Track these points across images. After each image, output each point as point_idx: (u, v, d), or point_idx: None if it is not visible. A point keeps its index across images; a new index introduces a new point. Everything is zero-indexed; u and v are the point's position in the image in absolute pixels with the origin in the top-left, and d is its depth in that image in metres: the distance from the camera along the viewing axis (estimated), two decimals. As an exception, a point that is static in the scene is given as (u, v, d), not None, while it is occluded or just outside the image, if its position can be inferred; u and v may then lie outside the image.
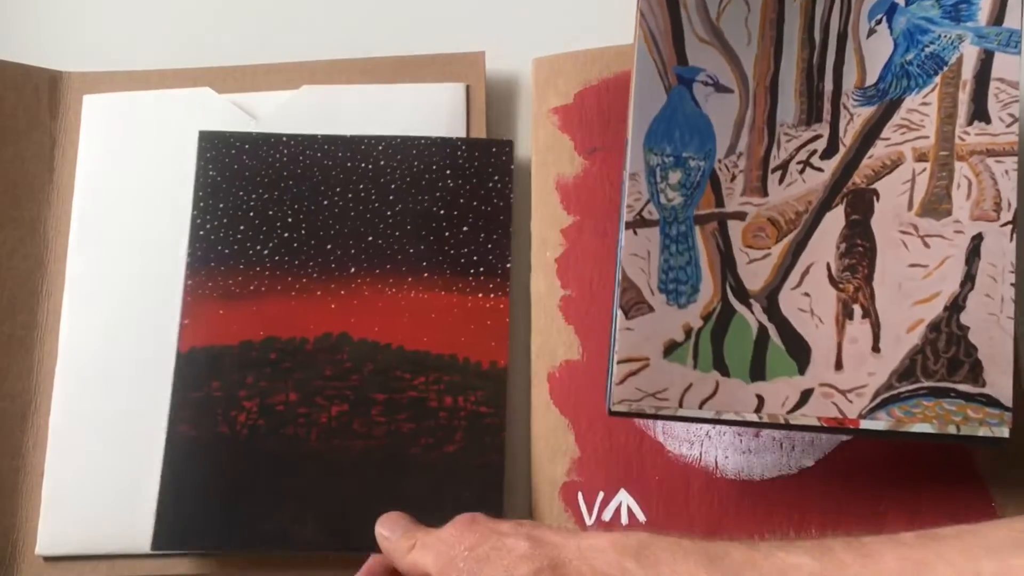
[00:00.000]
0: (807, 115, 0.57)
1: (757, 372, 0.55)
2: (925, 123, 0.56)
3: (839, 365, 0.54)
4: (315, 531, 0.61)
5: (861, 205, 0.56)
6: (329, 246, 0.67)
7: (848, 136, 0.56)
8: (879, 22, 0.57)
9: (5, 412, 0.66)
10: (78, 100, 0.72)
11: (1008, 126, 0.55)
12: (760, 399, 0.54)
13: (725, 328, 0.55)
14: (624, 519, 0.61)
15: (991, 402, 0.53)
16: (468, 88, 0.71)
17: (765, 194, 0.56)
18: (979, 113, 0.55)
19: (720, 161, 0.57)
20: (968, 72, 0.56)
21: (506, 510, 0.62)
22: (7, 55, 0.72)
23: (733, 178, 0.57)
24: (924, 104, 0.56)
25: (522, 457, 0.64)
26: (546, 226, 0.67)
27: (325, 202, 0.68)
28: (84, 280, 0.68)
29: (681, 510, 0.60)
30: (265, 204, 0.68)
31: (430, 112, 0.70)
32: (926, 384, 0.53)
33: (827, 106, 0.57)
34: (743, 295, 0.56)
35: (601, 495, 0.61)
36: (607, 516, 0.61)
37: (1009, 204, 0.54)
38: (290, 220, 0.67)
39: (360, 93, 0.71)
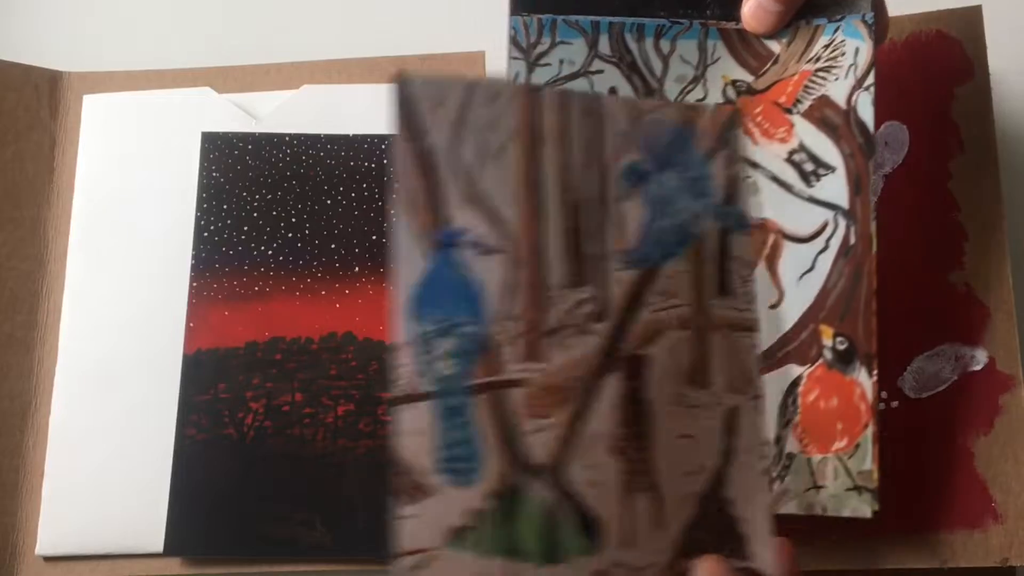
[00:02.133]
0: (574, 277, 0.53)
1: (550, 553, 0.50)
2: (681, 292, 0.54)
3: (630, 542, 0.51)
4: (323, 535, 0.61)
5: (636, 372, 0.53)
6: (333, 246, 0.67)
7: (616, 300, 0.53)
8: (632, 187, 0.55)
9: (5, 412, 0.65)
10: (78, 100, 0.71)
11: (747, 304, 0.54)
12: None
13: (513, 508, 0.50)
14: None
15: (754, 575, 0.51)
16: (469, 89, 0.71)
17: (541, 359, 0.51)
18: (724, 288, 0.54)
19: (492, 326, 0.51)
20: (711, 248, 0.54)
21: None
22: (7, 55, 0.72)
23: (507, 344, 0.51)
24: (679, 272, 0.54)
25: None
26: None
27: (328, 202, 0.68)
28: (84, 280, 0.67)
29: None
30: (268, 205, 0.68)
31: (431, 112, 0.70)
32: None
33: (592, 269, 0.53)
34: (529, 470, 0.50)
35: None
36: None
37: (752, 380, 0.53)
38: (294, 220, 0.67)
39: (361, 92, 0.71)
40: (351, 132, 0.69)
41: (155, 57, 0.73)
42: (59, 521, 0.63)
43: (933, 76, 0.65)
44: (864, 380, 0.54)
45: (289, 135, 0.68)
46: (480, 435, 0.50)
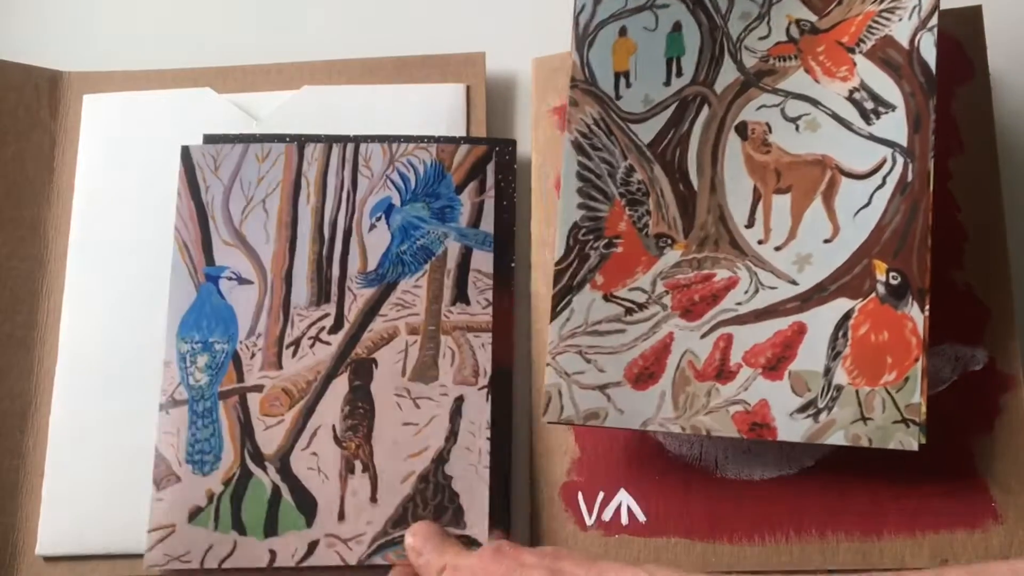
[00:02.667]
0: (317, 297, 0.64)
1: (270, 528, 0.60)
2: (416, 303, 0.63)
3: (342, 516, 0.61)
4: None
5: (362, 372, 0.63)
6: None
7: (352, 313, 0.64)
8: (379, 219, 0.65)
9: (5, 412, 0.66)
10: (78, 100, 0.71)
11: (484, 308, 0.63)
12: (272, 553, 0.60)
13: (243, 491, 0.61)
14: (624, 519, 0.61)
15: (471, 542, 0.59)
16: (468, 88, 0.71)
17: (280, 367, 0.63)
18: (461, 296, 0.64)
19: (242, 342, 0.63)
20: (452, 263, 0.64)
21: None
22: (7, 55, 0.72)
23: (253, 356, 0.63)
24: (416, 287, 0.64)
25: (522, 457, 0.64)
26: (546, 226, 0.67)
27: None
28: (84, 280, 0.68)
29: (681, 510, 0.60)
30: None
31: (431, 112, 0.70)
32: None
33: (334, 289, 0.64)
34: (259, 459, 0.62)
35: (601, 495, 0.61)
36: (607, 516, 0.61)
37: (486, 371, 0.61)
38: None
39: (361, 93, 0.71)
40: (351, 133, 0.69)
41: (155, 57, 0.73)
42: (59, 521, 0.63)
43: (933, 76, 0.65)
44: (916, 315, 0.54)
45: (288, 136, 0.68)
46: (223, 432, 0.62)
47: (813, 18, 0.59)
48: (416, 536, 0.57)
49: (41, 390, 0.66)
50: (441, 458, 0.62)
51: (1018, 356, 0.60)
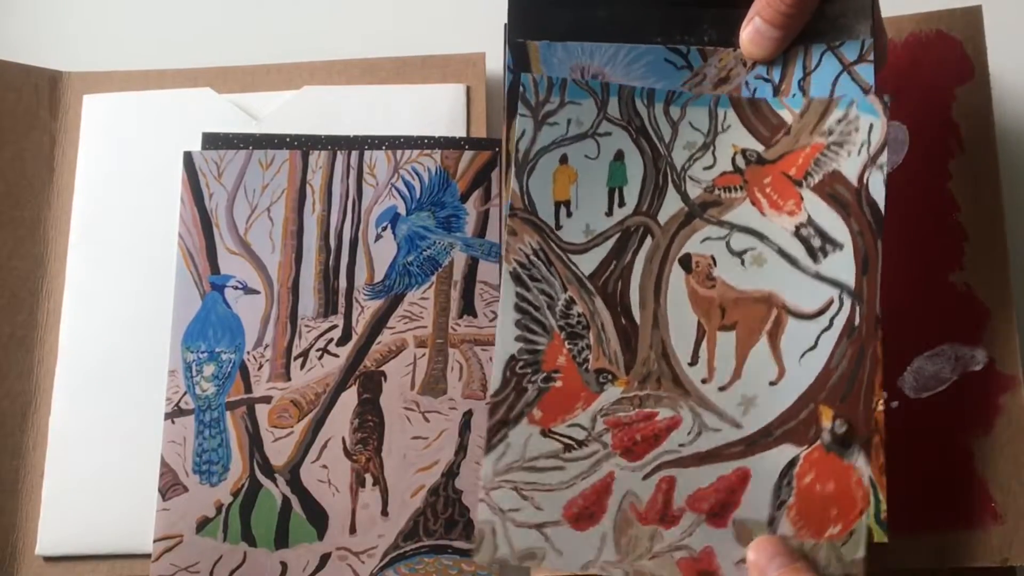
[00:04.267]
0: (324, 308, 0.65)
1: (281, 540, 0.61)
2: (424, 315, 0.64)
3: (353, 529, 0.61)
4: None
5: (371, 385, 0.63)
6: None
7: (360, 325, 0.64)
8: (384, 229, 0.65)
9: (5, 412, 0.66)
10: (78, 100, 0.71)
11: (490, 321, 0.63)
12: (284, 565, 0.61)
13: (252, 502, 0.62)
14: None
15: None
16: (468, 89, 0.71)
17: (288, 379, 0.63)
18: (468, 308, 0.64)
19: (249, 353, 0.64)
20: (458, 274, 0.64)
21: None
22: (7, 55, 0.72)
23: (260, 367, 0.64)
24: (423, 299, 0.64)
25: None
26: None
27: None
28: (84, 280, 0.68)
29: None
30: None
31: (431, 113, 0.70)
32: (427, 543, 0.61)
33: (342, 300, 0.64)
34: (269, 470, 0.62)
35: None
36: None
37: (487, 386, 0.61)
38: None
39: (361, 94, 0.71)
40: (352, 133, 0.69)
41: (155, 57, 0.73)
42: (59, 521, 0.63)
43: (933, 76, 0.65)
44: (862, 465, 0.53)
45: (289, 136, 0.68)
46: (231, 442, 0.63)
47: (760, 148, 0.56)
48: (760, 553, 0.52)
49: (41, 390, 0.66)
50: (451, 472, 0.62)
51: (1018, 356, 0.60)
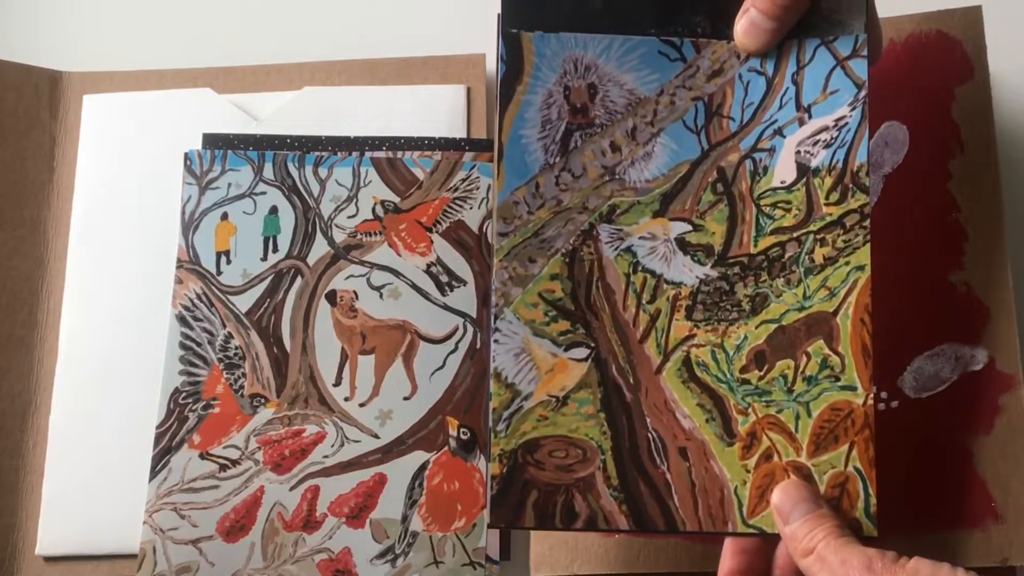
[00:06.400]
0: None
1: None
2: None
3: None
4: None
5: None
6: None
7: None
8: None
9: (5, 412, 0.66)
10: (78, 100, 0.71)
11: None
12: None
13: None
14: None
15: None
16: (469, 90, 0.71)
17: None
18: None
19: None
20: None
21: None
22: (7, 55, 0.72)
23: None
24: None
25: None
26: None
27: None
28: (84, 280, 0.68)
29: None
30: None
31: (431, 114, 0.70)
32: None
33: None
34: None
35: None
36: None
37: None
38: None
39: (362, 94, 0.71)
40: (352, 134, 0.69)
41: (155, 57, 0.73)
42: (59, 521, 0.63)
43: (933, 76, 0.65)
44: (482, 467, 0.63)
45: (289, 137, 0.68)
46: None
47: (396, 199, 0.67)
48: (784, 498, 0.51)
49: (41, 390, 0.66)
50: None
51: (1018, 356, 0.60)
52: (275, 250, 0.66)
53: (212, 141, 0.68)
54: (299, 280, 0.65)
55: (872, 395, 0.53)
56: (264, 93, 0.71)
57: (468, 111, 0.70)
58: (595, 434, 0.53)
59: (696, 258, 0.55)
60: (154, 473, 0.62)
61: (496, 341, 0.54)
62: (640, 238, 0.55)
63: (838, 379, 0.53)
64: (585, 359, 0.54)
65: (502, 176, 0.55)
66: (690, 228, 0.55)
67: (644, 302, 0.55)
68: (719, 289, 0.55)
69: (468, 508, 0.62)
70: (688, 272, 0.55)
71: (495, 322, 0.54)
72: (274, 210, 0.66)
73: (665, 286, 0.55)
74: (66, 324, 0.67)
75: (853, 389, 0.53)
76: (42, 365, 0.67)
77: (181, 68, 0.72)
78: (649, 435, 0.53)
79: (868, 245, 0.54)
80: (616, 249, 0.55)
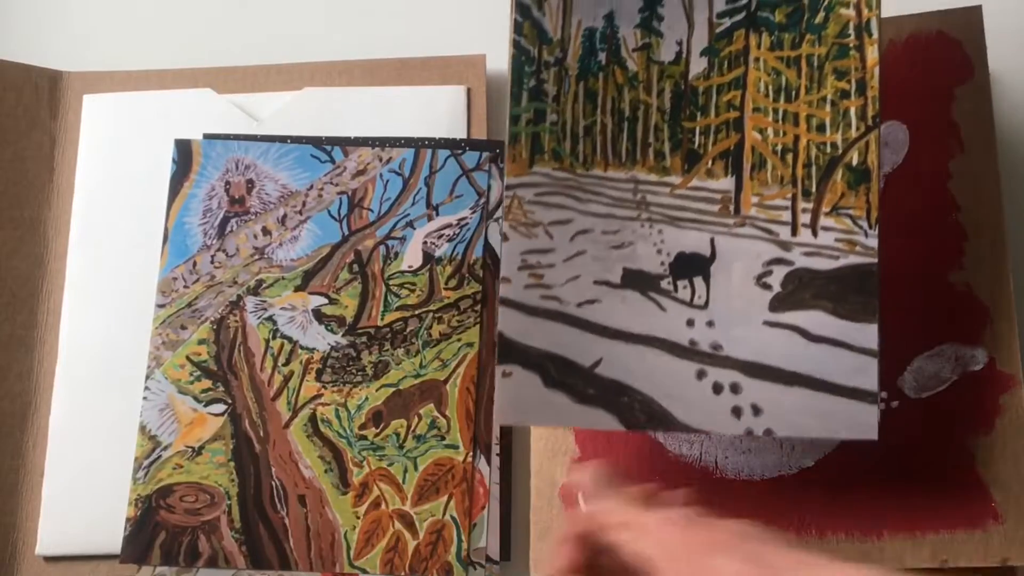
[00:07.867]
0: None
1: None
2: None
3: None
4: None
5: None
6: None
7: None
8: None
9: (5, 412, 0.66)
10: (78, 100, 0.72)
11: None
12: None
13: None
14: (624, 519, 0.61)
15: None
16: (469, 90, 0.71)
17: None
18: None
19: None
20: None
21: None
22: (7, 55, 0.72)
23: None
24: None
25: (522, 457, 0.64)
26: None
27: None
28: (84, 280, 0.68)
29: (681, 510, 0.61)
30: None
31: (432, 114, 0.70)
32: None
33: None
34: None
35: (601, 495, 0.62)
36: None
37: None
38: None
39: (362, 95, 0.71)
40: (352, 135, 0.69)
41: (155, 57, 0.73)
42: (59, 521, 0.63)
43: (933, 76, 0.65)
44: (484, 469, 0.63)
45: (289, 137, 0.69)
46: None
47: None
48: (584, 476, 0.50)
49: (41, 390, 0.66)
50: None
51: (1018, 356, 0.60)
52: None
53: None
54: None
55: (471, 454, 0.62)
56: (264, 93, 0.71)
57: (468, 111, 0.70)
58: (224, 481, 0.61)
59: (329, 327, 0.64)
60: None
61: (145, 398, 0.63)
62: (282, 308, 0.64)
63: (444, 438, 0.63)
64: (222, 414, 0.62)
65: (165, 256, 0.64)
66: (326, 301, 0.64)
67: (280, 364, 0.63)
68: (347, 355, 0.63)
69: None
70: (321, 339, 0.64)
71: (146, 381, 0.63)
72: None
73: (300, 351, 0.63)
74: (66, 324, 0.67)
75: (456, 448, 0.63)
76: (42, 365, 0.67)
77: (181, 68, 0.72)
78: (273, 483, 0.61)
79: (479, 326, 0.64)
80: (259, 318, 0.63)
